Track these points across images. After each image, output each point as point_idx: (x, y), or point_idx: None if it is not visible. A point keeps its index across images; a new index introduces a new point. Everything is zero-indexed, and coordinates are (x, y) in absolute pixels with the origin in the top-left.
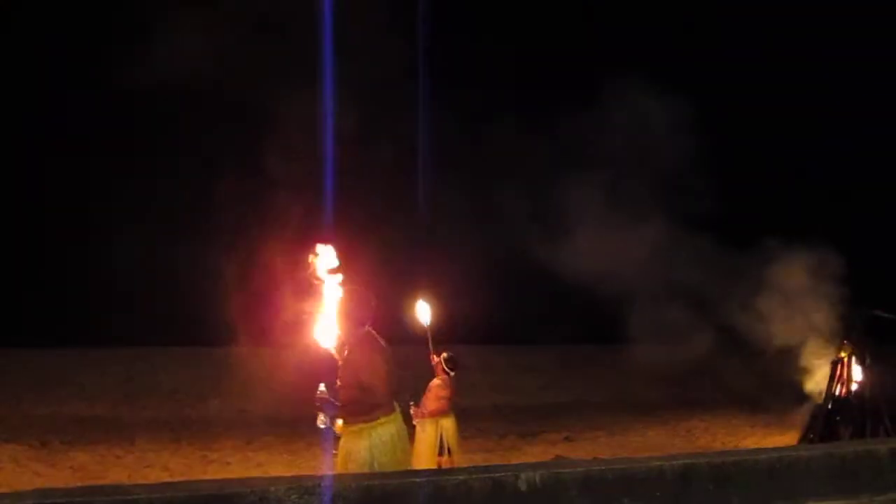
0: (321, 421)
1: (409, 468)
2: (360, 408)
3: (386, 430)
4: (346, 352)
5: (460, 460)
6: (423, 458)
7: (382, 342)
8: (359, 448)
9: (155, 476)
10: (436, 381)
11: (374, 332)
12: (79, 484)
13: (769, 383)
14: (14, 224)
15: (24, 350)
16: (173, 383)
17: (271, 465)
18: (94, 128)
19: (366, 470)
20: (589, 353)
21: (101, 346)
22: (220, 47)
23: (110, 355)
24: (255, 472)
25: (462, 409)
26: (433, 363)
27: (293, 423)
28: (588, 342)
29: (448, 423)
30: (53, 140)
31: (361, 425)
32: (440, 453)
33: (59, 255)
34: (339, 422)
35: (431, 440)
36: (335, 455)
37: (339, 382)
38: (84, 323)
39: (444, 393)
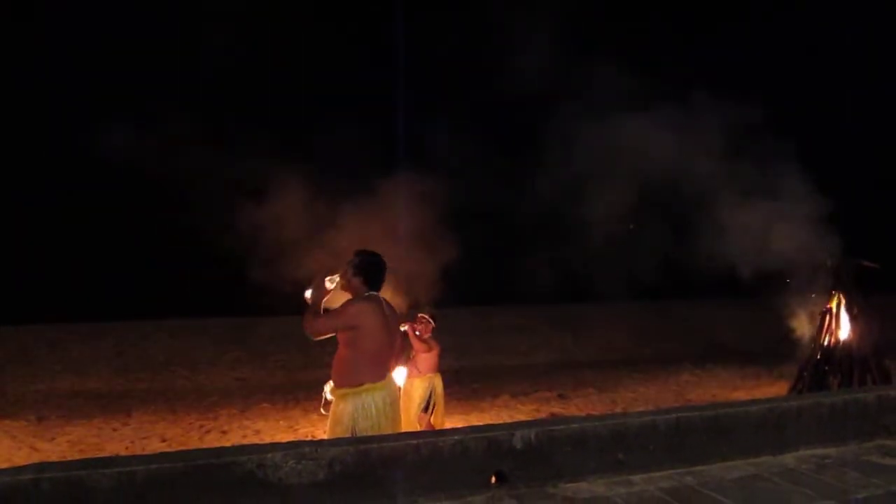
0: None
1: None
2: (346, 369)
3: (370, 397)
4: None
5: (442, 419)
6: (408, 413)
7: (388, 309)
8: (343, 411)
9: (153, 447)
10: (425, 338)
11: (380, 297)
12: (77, 457)
13: (758, 335)
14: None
15: (13, 326)
16: (166, 355)
17: (268, 432)
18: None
19: (347, 435)
20: (578, 311)
21: (90, 320)
22: None
23: (101, 329)
24: (252, 440)
25: (455, 371)
26: (418, 324)
27: (288, 391)
28: (576, 301)
29: (438, 381)
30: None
31: (346, 390)
32: (425, 409)
33: (45, 230)
34: (329, 385)
35: (420, 396)
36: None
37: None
38: (72, 297)
39: (437, 349)
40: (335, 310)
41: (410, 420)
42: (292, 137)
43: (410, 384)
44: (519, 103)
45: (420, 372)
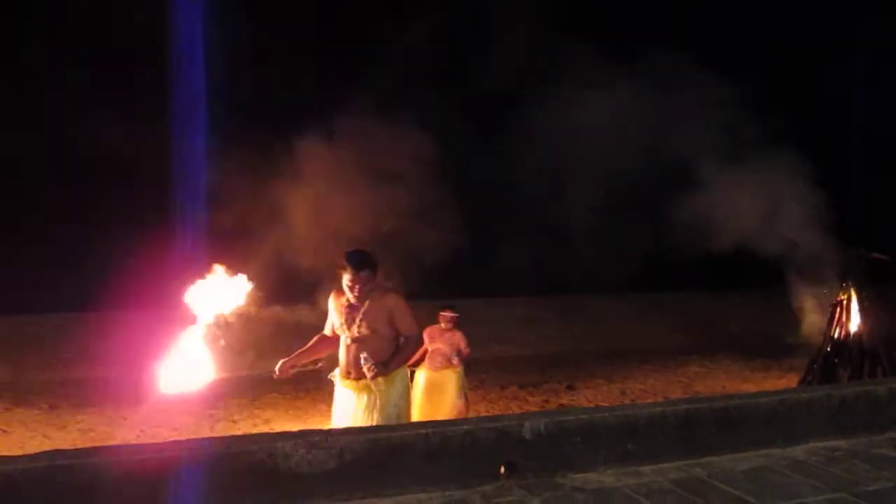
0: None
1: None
2: (392, 352)
3: (406, 372)
4: (365, 306)
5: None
6: (449, 403)
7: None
8: (393, 394)
9: (164, 435)
10: (457, 335)
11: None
12: (89, 445)
13: (766, 327)
14: (7, 188)
15: (21, 316)
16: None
17: (278, 421)
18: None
19: (393, 413)
20: (586, 302)
21: (101, 309)
22: None
23: (111, 317)
24: (262, 430)
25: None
26: (446, 321)
27: (298, 381)
28: (586, 292)
29: (463, 370)
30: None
31: (394, 371)
32: (461, 397)
33: (55, 219)
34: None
35: (457, 386)
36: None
37: (360, 331)
38: (83, 286)
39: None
40: (402, 317)
41: (447, 411)
42: (287, 135)
43: (443, 376)
44: (522, 92)
45: (452, 363)
